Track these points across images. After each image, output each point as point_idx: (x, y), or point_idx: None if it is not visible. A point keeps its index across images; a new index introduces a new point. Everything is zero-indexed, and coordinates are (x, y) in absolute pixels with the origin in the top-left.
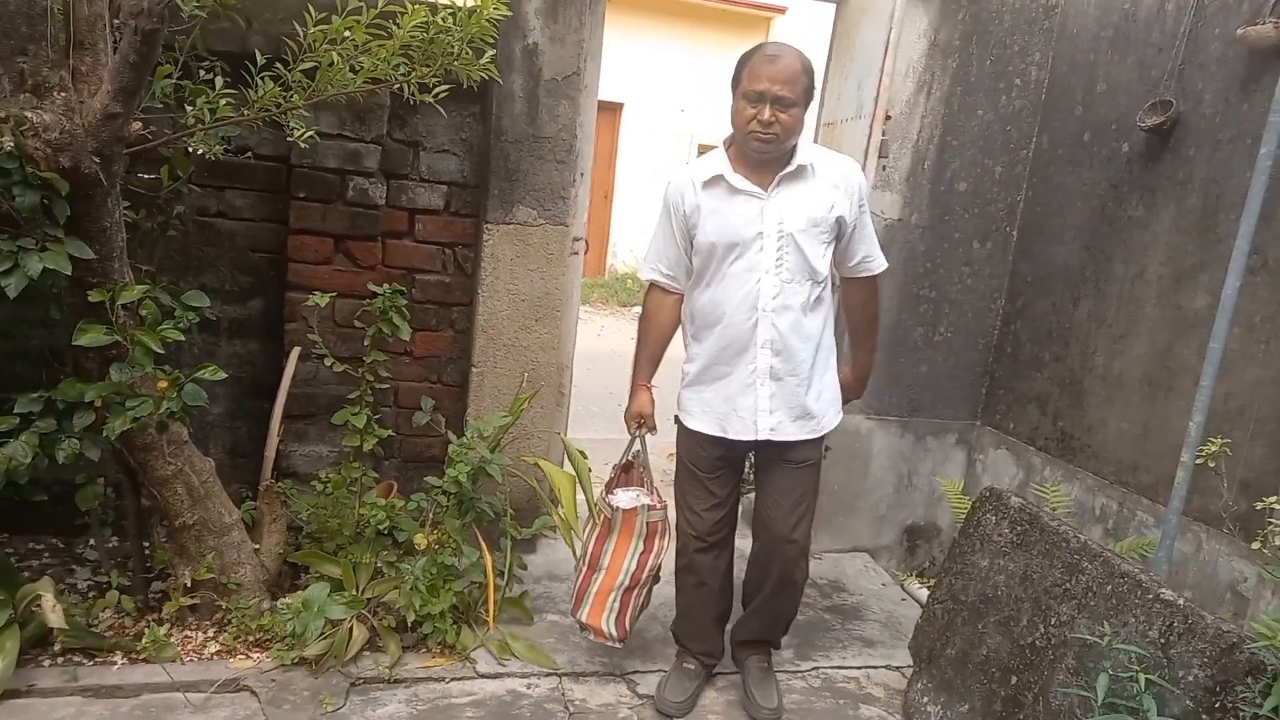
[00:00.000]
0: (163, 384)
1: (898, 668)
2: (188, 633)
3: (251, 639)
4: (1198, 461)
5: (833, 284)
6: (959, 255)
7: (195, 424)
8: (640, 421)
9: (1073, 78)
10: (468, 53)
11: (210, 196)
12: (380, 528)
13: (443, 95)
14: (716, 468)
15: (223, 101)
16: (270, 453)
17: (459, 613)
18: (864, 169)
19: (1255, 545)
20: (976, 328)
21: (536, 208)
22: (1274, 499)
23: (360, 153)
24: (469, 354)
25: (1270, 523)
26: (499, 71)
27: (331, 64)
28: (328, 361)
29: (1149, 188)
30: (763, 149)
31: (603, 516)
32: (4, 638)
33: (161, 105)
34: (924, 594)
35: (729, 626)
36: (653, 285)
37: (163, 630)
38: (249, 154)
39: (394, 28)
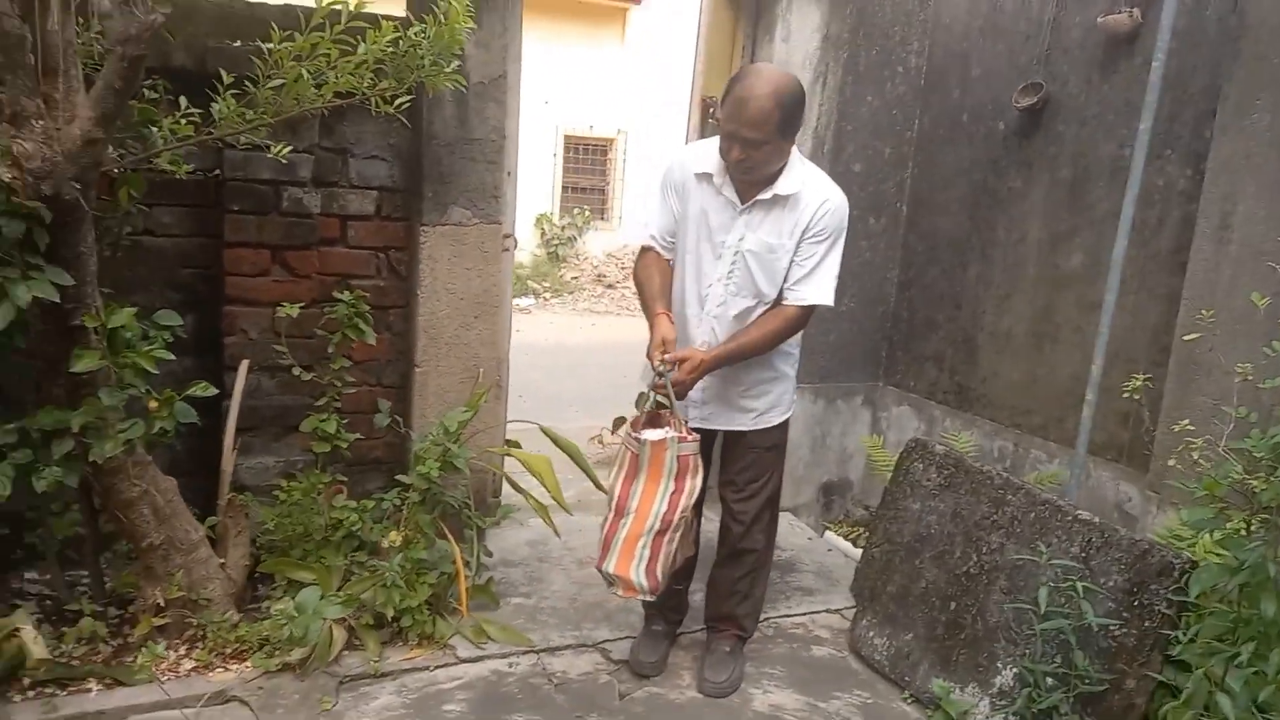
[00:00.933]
0: (154, 404)
1: (837, 609)
2: (159, 653)
3: (228, 651)
4: (1124, 395)
5: None
6: (858, 230)
7: None
8: (664, 350)
9: (949, 64)
10: (437, 64)
11: (138, 215)
12: (353, 529)
13: (405, 106)
14: None
15: (184, 120)
16: (228, 467)
17: (432, 604)
18: None
19: (1171, 462)
20: (876, 296)
21: (470, 208)
22: (1186, 421)
23: (294, 163)
24: (409, 355)
25: (1147, 451)
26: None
27: (298, 79)
28: (295, 370)
29: (1025, 162)
30: (741, 178)
31: (629, 454)
32: None
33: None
34: (846, 545)
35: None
36: (648, 249)
37: (142, 654)
38: (196, 170)
39: (361, 43)
